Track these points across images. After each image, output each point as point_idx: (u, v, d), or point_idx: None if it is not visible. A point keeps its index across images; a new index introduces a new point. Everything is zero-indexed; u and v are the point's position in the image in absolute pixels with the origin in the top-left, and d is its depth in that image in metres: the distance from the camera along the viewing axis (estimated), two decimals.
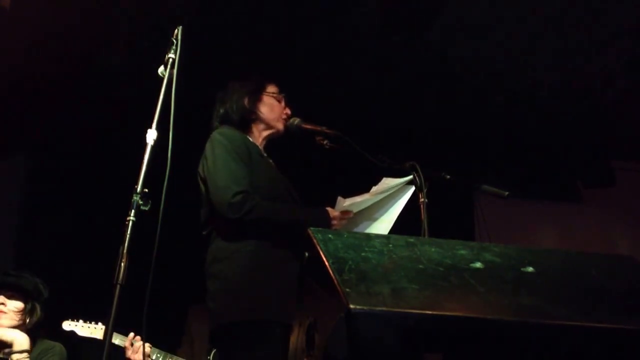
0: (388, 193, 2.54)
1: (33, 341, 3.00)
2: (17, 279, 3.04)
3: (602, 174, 5.23)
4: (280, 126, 2.63)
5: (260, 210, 2.27)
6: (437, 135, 4.94)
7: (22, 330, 2.98)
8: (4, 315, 2.95)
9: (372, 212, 2.60)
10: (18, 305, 3.00)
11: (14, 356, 2.79)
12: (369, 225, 2.61)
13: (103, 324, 3.35)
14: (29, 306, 3.04)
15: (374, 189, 2.55)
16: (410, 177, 2.48)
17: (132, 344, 3.19)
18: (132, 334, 3.23)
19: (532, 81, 4.50)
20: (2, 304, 2.96)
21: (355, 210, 2.51)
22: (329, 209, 2.45)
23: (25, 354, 2.82)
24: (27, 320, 3.02)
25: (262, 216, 2.27)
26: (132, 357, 3.13)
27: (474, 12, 3.82)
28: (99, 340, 3.29)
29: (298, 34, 4.07)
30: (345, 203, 2.48)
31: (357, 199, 2.50)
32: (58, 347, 3.10)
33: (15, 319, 2.97)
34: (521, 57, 4.25)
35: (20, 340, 2.83)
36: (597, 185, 5.24)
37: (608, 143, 5.18)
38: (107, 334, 1.67)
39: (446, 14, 3.81)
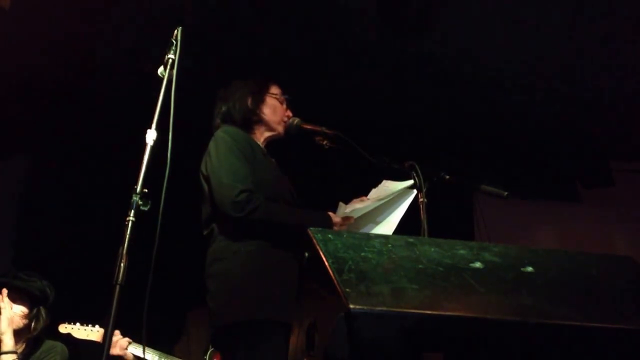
0: (389, 198, 2.52)
1: (36, 344, 3.01)
2: (25, 283, 3.04)
3: (601, 174, 5.22)
4: (281, 129, 2.63)
5: (263, 210, 2.27)
6: (436, 135, 4.94)
7: (26, 334, 2.99)
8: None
9: (373, 217, 2.59)
10: (23, 309, 3.01)
11: (2, 357, 2.80)
12: (370, 230, 2.59)
13: (100, 326, 3.35)
14: (34, 311, 3.04)
15: (374, 191, 2.54)
16: (411, 181, 2.46)
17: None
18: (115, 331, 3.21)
19: (531, 81, 4.50)
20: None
21: (356, 215, 2.50)
22: (331, 213, 2.46)
23: (12, 355, 2.82)
24: (32, 325, 3.03)
25: (265, 216, 2.27)
26: (111, 352, 3.12)
27: (473, 12, 3.82)
28: (96, 342, 3.30)
29: (298, 34, 4.07)
30: (347, 209, 2.48)
31: (358, 204, 2.49)
32: (59, 346, 3.10)
33: (19, 323, 2.98)
34: (521, 58, 4.25)
35: (6, 341, 2.84)
36: (596, 186, 5.24)
37: (607, 143, 5.18)
38: (107, 334, 1.67)
39: (446, 16, 3.81)
